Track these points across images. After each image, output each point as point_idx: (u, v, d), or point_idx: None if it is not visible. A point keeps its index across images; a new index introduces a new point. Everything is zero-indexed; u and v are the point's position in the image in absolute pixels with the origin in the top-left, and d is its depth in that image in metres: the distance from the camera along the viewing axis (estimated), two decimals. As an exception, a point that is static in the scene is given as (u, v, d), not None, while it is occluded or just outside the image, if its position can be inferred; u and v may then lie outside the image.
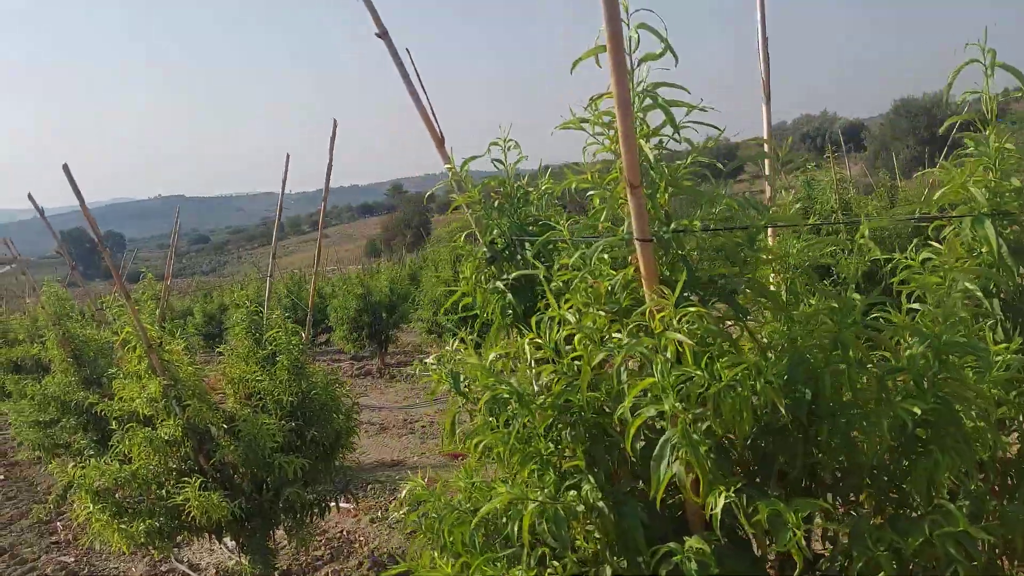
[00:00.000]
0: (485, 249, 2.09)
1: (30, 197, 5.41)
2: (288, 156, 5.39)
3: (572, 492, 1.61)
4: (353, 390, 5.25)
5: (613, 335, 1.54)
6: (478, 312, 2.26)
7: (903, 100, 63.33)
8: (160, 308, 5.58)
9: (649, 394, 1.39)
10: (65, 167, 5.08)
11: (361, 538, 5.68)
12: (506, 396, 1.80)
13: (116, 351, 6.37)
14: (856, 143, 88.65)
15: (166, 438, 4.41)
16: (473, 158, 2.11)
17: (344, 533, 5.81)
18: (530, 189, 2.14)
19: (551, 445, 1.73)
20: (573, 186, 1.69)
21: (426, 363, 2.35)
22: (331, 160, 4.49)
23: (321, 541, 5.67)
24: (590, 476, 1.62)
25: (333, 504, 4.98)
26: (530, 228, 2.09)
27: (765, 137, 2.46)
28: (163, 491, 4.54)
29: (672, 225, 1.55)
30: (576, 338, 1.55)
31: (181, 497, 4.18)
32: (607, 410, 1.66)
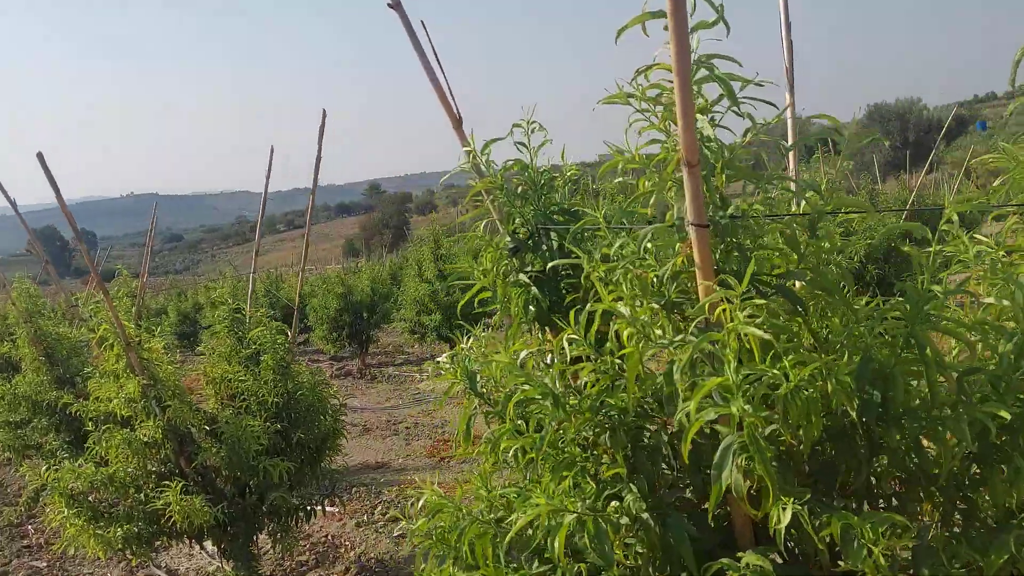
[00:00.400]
0: (507, 239, 1.95)
1: (1, 189, 5.18)
2: (272, 148, 5.21)
3: (614, 503, 1.47)
4: (337, 391, 5.09)
5: (655, 330, 1.41)
6: (498, 307, 2.11)
7: (876, 105, 64.03)
8: (136, 306, 5.37)
9: (712, 395, 1.26)
10: (40, 156, 4.85)
11: (347, 543, 5.51)
12: (538, 397, 1.65)
13: (92, 349, 6.15)
14: (831, 148, 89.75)
15: (145, 440, 4.22)
16: (495, 140, 1.97)
17: (329, 537, 5.64)
18: (555, 175, 2.00)
19: (586, 451, 1.59)
20: (620, 167, 1.56)
21: (439, 362, 2.21)
22: (320, 152, 4.32)
23: (305, 546, 5.49)
24: (632, 485, 1.48)
25: (319, 508, 4.82)
26: (555, 217, 1.95)
27: (789, 127, 2.35)
28: (141, 495, 4.34)
29: (730, 210, 1.42)
30: (626, 333, 1.41)
31: (161, 502, 4.00)
32: (650, 412, 1.52)
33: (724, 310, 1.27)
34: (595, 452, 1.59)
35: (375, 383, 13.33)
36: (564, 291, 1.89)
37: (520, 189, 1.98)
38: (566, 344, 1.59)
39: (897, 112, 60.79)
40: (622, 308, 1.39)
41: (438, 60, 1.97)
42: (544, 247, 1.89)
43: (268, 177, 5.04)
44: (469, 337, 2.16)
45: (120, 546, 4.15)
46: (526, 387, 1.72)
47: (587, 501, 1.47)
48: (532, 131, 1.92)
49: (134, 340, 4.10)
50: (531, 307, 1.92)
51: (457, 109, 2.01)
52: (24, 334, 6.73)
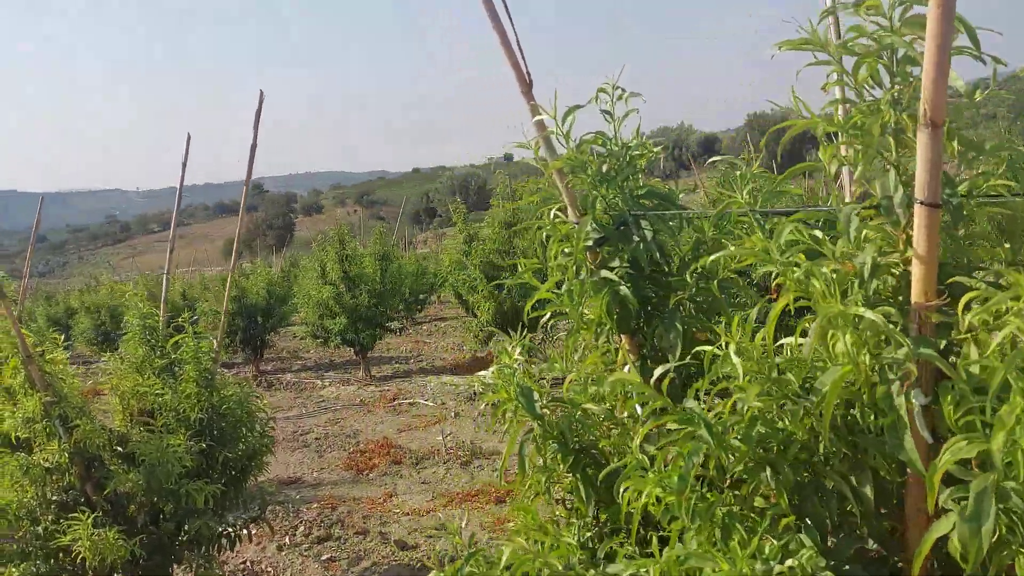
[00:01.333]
0: (589, 229, 1.68)
1: None
2: (189, 136, 4.72)
3: (789, 561, 1.21)
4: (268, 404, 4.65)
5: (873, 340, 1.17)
6: (569, 310, 1.84)
7: (756, 115, 67.19)
8: (18, 311, 4.75)
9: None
10: None
11: (269, 569, 5.06)
12: (686, 426, 1.34)
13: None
14: (712, 156, 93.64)
15: (47, 465, 3.68)
16: (577, 108, 1.70)
17: (249, 564, 5.16)
18: (637, 152, 1.75)
19: (720, 492, 1.33)
20: (818, 131, 1.32)
21: (481, 377, 1.92)
22: (255, 139, 3.89)
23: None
24: (802, 536, 1.24)
25: (244, 533, 4.38)
26: (643, 202, 1.70)
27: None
28: (40, 528, 3.79)
29: (962, 187, 1.22)
30: (848, 341, 1.15)
31: (69, 537, 3.48)
32: (825, 441, 1.26)
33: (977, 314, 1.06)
34: (737, 493, 1.35)
35: (273, 390, 12.65)
36: (657, 290, 1.65)
37: (605, 168, 1.73)
38: (735, 358, 1.32)
39: (775, 121, 64.02)
40: (851, 313, 1.14)
41: (509, 15, 1.69)
42: (636, 237, 1.64)
43: (184, 167, 4.55)
44: (514, 346, 1.89)
45: (15, 590, 3.59)
46: (669, 411, 1.44)
47: (763, 561, 1.21)
48: (619, 98, 1.67)
49: (35, 351, 3.56)
50: (616, 310, 1.66)
51: (528, 71, 1.73)
52: None
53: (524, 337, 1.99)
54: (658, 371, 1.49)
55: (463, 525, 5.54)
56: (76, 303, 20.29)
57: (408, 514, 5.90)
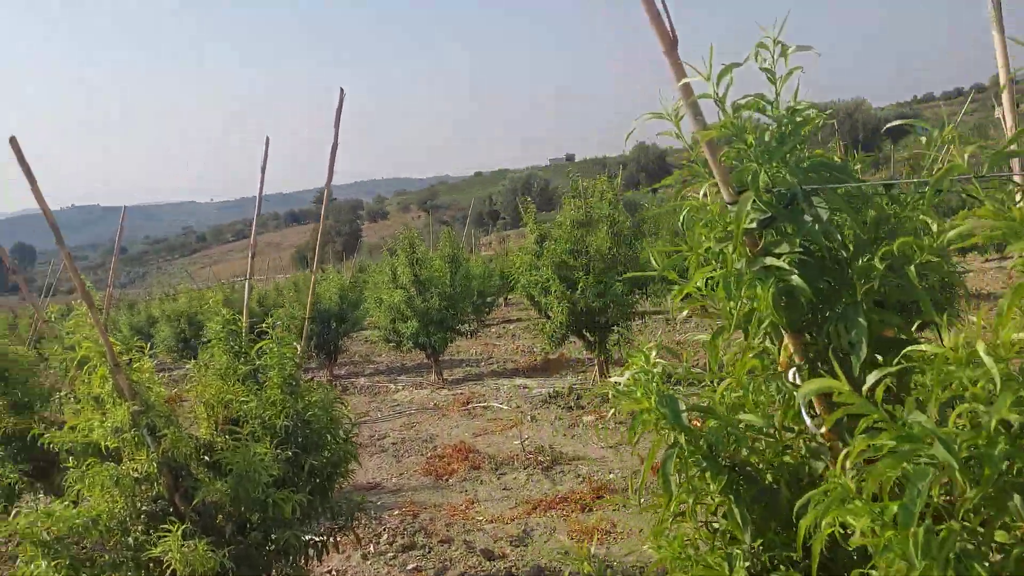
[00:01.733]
0: (749, 207, 1.47)
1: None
2: (268, 139, 4.66)
3: None
4: (351, 409, 4.56)
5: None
6: (720, 305, 1.64)
7: (826, 104, 65.27)
8: (104, 320, 4.77)
9: None
10: None
11: (355, 578, 4.96)
12: (906, 444, 1.10)
13: (68, 371, 5.50)
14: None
15: (136, 475, 3.64)
16: (735, 65, 1.50)
17: (334, 573, 5.08)
18: (802, 119, 1.53)
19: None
20: None
21: (615, 383, 1.73)
22: (336, 139, 3.80)
23: (308, 585, 4.93)
24: None
25: (331, 542, 4.29)
26: (811, 176, 1.49)
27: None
28: (129, 539, 3.76)
29: None
30: None
31: (160, 548, 3.42)
32: None
33: None
34: (967, 524, 1.13)
35: (347, 395, 12.69)
36: (834, 277, 1.43)
37: (768, 137, 1.52)
38: (986, 358, 1.10)
39: (847, 111, 62.04)
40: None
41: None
42: (808, 217, 1.43)
43: (263, 171, 4.50)
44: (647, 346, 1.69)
45: (108, 601, 3.55)
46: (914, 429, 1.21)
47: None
48: (781, 55, 1.47)
49: (123, 360, 3.52)
50: (782, 302, 1.45)
51: (672, 28, 1.53)
52: (-25, 355, 6.02)
53: (597, 339, 1.79)
54: (872, 377, 1.26)
55: (550, 535, 5.36)
56: (157, 312, 20.89)
57: (492, 522, 5.74)
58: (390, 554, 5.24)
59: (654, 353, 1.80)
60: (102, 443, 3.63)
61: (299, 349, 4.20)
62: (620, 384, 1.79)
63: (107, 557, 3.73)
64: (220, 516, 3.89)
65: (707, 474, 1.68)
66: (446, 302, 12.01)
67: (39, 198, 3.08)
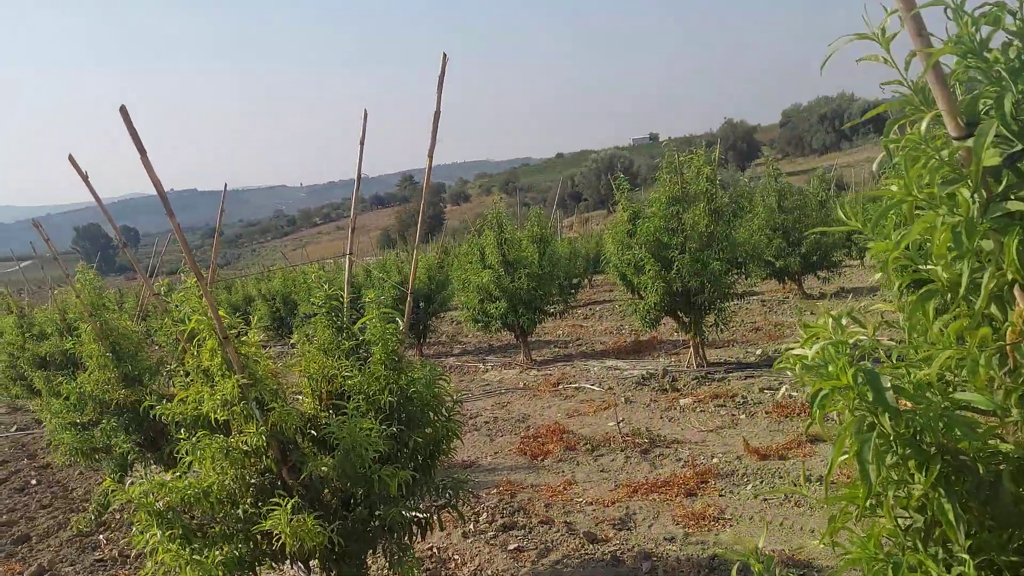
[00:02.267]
0: (988, 142, 1.25)
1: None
2: (366, 112, 4.60)
3: None
4: (456, 387, 4.47)
5: None
6: (940, 264, 1.42)
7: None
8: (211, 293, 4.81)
9: None
10: (70, 158, 4.32)
11: (456, 557, 4.90)
12: None
13: (177, 345, 5.63)
14: (877, 124, 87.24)
15: (245, 448, 3.65)
16: None
17: (435, 551, 5.04)
18: None
19: None
20: None
21: (793, 354, 1.55)
22: (439, 106, 3.67)
23: (409, 561, 4.89)
24: None
25: (435, 520, 4.22)
26: None
27: None
28: (239, 511, 3.78)
29: None
30: None
31: (269, 522, 3.41)
32: None
33: None
34: None
35: (438, 375, 12.71)
36: None
37: (1012, 53, 1.30)
38: None
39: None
40: None
41: None
42: None
43: (362, 144, 4.43)
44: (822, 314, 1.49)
45: (219, 573, 3.57)
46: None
47: None
48: None
49: (231, 332, 3.51)
50: None
51: None
52: (89, 329, 6.24)
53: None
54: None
55: (653, 519, 5.17)
56: (254, 291, 21.57)
57: (591, 504, 5.59)
58: (490, 533, 5.16)
59: (845, 320, 1.58)
60: (212, 415, 3.64)
61: (402, 325, 4.13)
62: (805, 357, 1.58)
63: (217, 528, 3.76)
64: (327, 491, 3.87)
65: (910, 463, 1.46)
66: (534, 282, 11.87)
67: (149, 170, 3.07)
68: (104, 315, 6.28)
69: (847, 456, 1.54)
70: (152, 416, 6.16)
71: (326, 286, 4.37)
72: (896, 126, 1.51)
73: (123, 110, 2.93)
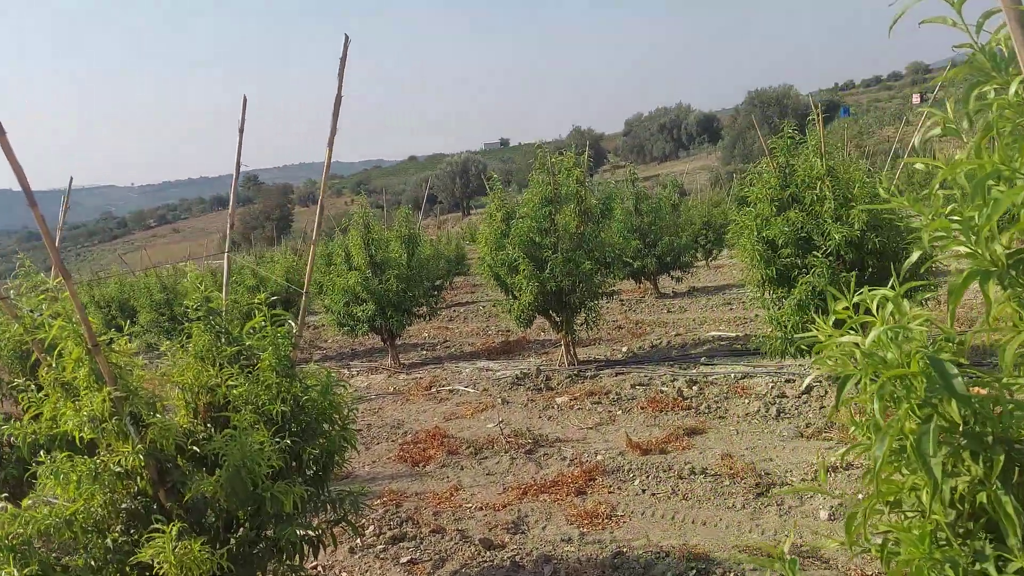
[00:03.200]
0: None
1: None
2: (245, 98, 4.25)
3: None
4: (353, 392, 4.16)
5: None
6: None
7: (757, 91, 66.50)
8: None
9: None
10: None
11: (345, 575, 4.63)
12: None
13: (22, 356, 4.99)
14: (710, 134, 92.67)
15: (118, 470, 3.24)
16: None
17: (320, 570, 4.73)
18: None
19: None
20: None
21: (841, 341, 1.46)
22: (340, 92, 3.42)
23: (294, 582, 4.57)
24: None
25: (326, 537, 3.94)
26: None
27: None
28: (108, 540, 3.36)
29: None
30: None
31: (150, 551, 3.04)
32: None
33: None
34: None
35: (300, 382, 12.15)
36: None
37: None
38: None
39: (776, 97, 63.32)
40: None
41: None
42: None
43: (241, 132, 4.08)
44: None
45: (87, 611, 3.15)
46: None
47: None
48: None
49: (102, 340, 3.10)
50: None
51: None
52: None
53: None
54: None
55: (547, 520, 5.12)
56: (85, 298, 19.81)
57: (481, 509, 5.46)
58: (379, 546, 4.92)
59: (906, 303, 1.50)
60: (75, 434, 3.21)
61: (296, 327, 3.84)
62: (853, 345, 1.51)
63: (81, 561, 3.32)
64: (210, 512, 3.52)
65: (964, 454, 1.41)
66: (403, 284, 11.62)
67: (6, 150, 2.64)
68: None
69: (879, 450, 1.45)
70: (8, 442, 5.44)
71: (202, 287, 3.99)
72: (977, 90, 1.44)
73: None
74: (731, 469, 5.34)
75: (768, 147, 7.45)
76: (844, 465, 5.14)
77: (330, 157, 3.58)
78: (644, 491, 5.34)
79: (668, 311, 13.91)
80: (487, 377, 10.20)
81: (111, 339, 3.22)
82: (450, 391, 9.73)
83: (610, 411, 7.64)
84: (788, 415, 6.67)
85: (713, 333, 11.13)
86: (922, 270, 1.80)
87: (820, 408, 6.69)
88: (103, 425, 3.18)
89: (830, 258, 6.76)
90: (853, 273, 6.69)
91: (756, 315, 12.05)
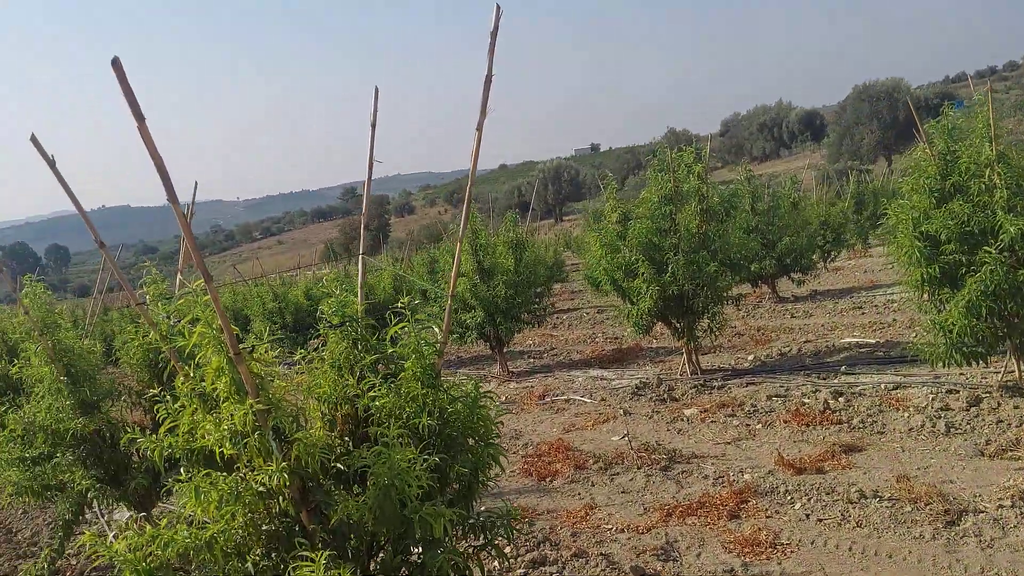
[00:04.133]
0: None
1: None
2: (376, 89, 3.99)
3: None
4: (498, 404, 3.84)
5: None
6: None
7: (864, 85, 63.43)
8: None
9: None
10: (33, 138, 3.57)
11: (486, 601, 4.27)
12: None
13: (152, 365, 4.91)
14: (813, 132, 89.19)
15: (261, 489, 2.99)
16: None
17: (459, 594, 4.39)
18: None
19: None
20: None
21: None
22: (490, 71, 3.09)
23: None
24: None
25: (475, 565, 3.60)
26: None
27: None
28: (247, 564, 3.11)
29: None
30: None
31: (298, 579, 2.76)
32: None
33: None
34: None
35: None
36: None
37: None
38: None
39: (886, 91, 60.20)
40: None
41: None
42: None
43: (374, 127, 3.81)
44: None
45: (231, 643, 2.90)
46: None
47: None
48: None
49: (244, 348, 2.86)
50: None
51: None
52: (40, 350, 5.43)
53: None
54: None
55: (700, 547, 4.64)
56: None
57: (622, 531, 5.03)
58: (519, 571, 4.56)
59: None
60: (216, 449, 2.98)
61: (441, 334, 3.52)
62: None
63: (221, 586, 3.09)
64: (352, 536, 3.23)
65: None
66: (512, 290, 11.30)
67: (147, 138, 2.41)
68: (57, 334, 5.48)
69: None
70: (115, 448, 5.36)
71: (338, 291, 3.74)
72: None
73: (116, 63, 2.28)
74: (910, 493, 4.71)
75: (925, 133, 6.73)
76: (1049, 490, 4.45)
77: (479, 144, 3.25)
78: (808, 516, 4.79)
79: (791, 316, 13.10)
80: (603, 386, 9.76)
81: (252, 347, 2.96)
82: (566, 401, 9.33)
83: (748, 425, 7.06)
84: (960, 430, 5.95)
85: (849, 339, 10.32)
86: None
87: (997, 422, 5.93)
88: (245, 440, 2.93)
89: (1004, 254, 6.01)
90: (1034, 271, 5.95)
91: (895, 320, 11.16)
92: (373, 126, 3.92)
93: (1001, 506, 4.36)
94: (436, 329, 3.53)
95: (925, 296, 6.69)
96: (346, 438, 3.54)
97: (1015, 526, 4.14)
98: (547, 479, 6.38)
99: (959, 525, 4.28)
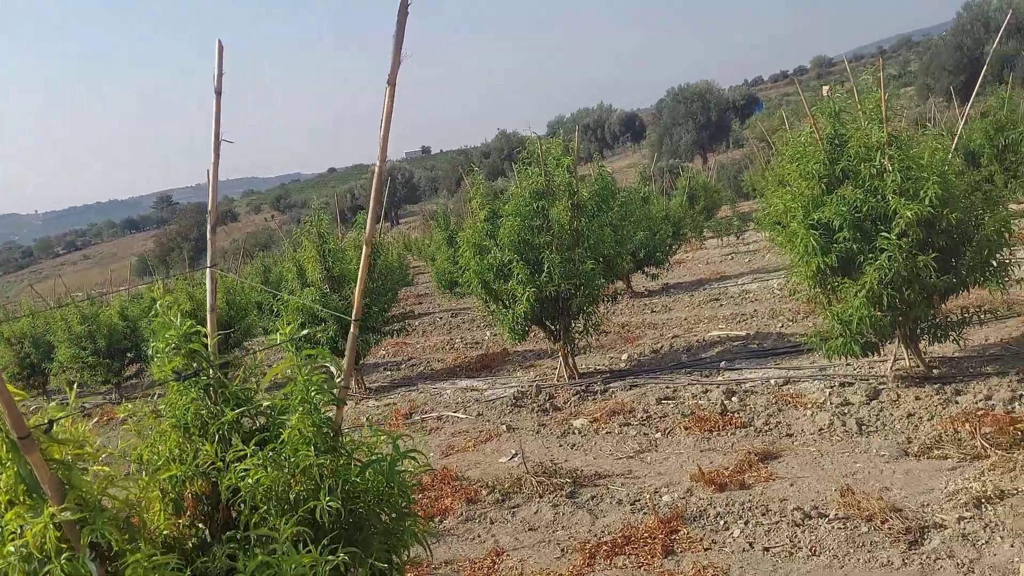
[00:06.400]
0: None
1: None
2: (220, 43, 2.95)
3: None
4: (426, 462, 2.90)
5: None
6: None
7: (679, 88, 66.82)
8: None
9: None
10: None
11: None
12: None
13: None
14: (633, 133, 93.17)
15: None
16: None
17: None
18: None
19: None
20: None
21: None
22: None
23: None
24: None
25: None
26: None
27: None
28: None
29: None
30: None
31: None
32: None
33: None
34: None
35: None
36: None
37: None
38: None
39: (698, 93, 63.73)
40: None
41: None
42: None
43: (219, 91, 2.79)
44: None
45: None
46: None
47: None
48: None
49: (38, 425, 1.78)
50: None
51: None
52: None
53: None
54: None
55: (641, 594, 3.94)
56: (-9, 337, 17.57)
57: (542, 582, 4.25)
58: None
59: None
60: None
61: (340, 373, 2.57)
62: None
63: None
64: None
65: None
66: (367, 299, 10.25)
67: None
68: None
69: None
70: None
71: (176, 319, 2.69)
72: None
73: None
74: (860, 509, 4.26)
75: (812, 116, 6.46)
76: (997, 494, 4.14)
77: (392, 98, 2.31)
78: (752, 545, 4.22)
79: (652, 311, 12.93)
80: (475, 399, 8.97)
81: (50, 421, 1.89)
82: (438, 418, 8.45)
83: (646, 434, 6.52)
84: (872, 428, 5.67)
85: (717, 332, 10.16)
86: None
87: (907, 416, 5.70)
88: (49, 567, 1.85)
89: (903, 240, 5.80)
90: (931, 255, 5.79)
91: (755, 310, 11.17)
92: (218, 93, 2.91)
93: (962, 518, 3.98)
94: (332, 368, 2.59)
95: (816, 288, 6.44)
96: (199, 525, 2.53)
97: (986, 543, 3.76)
98: (436, 519, 5.48)
99: (925, 544, 3.85)
